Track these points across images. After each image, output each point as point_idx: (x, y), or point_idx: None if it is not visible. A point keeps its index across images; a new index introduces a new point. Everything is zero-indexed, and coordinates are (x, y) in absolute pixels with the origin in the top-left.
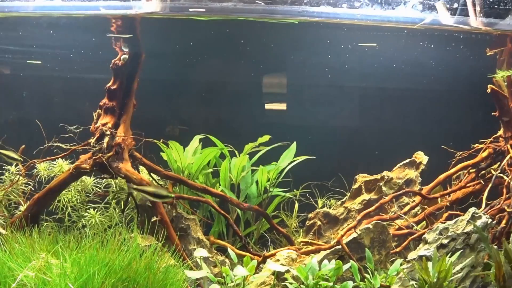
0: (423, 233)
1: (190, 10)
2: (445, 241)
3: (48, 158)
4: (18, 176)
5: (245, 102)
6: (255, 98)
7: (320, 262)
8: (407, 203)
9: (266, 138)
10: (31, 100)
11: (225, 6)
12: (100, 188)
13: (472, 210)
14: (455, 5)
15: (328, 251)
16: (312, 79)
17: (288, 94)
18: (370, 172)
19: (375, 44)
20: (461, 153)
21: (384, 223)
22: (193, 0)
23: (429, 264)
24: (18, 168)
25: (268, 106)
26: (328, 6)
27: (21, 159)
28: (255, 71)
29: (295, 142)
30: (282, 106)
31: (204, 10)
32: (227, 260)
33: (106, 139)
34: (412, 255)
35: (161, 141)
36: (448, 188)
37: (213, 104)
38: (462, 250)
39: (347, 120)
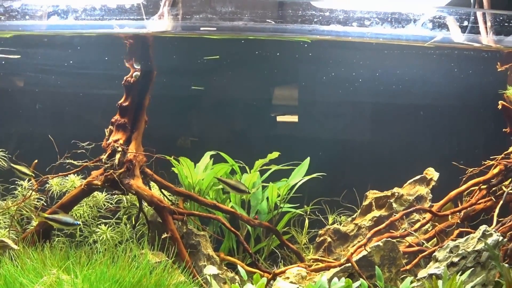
0: (434, 251)
1: (201, 29)
2: (455, 259)
3: (60, 174)
4: (30, 191)
5: (256, 116)
6: (266, 112)
7: (330, 280)
8: (418, 220)
9: (275, 154)
10: (44, 116)
11: (235, 25)
12: (111, 203)
13: (483, 227)
14: (465, 23)
15: (338, 268)
16: (323, 95)
17: (300, 108)
18: (381, 188)
19: (387, 61)
20: (472, 169)
21: (394, 240)
22: (204, 19)
23: (439, 282)
24: (30, 183)
25: (279, 119)
26: (338, 25)
27: (33, 174)
28: (267, 85)
29: (308, 158)
30: (293, 119)
31: (215, 29)
32: (237, 277)
33: (117, 156)
34: (422, 273)
35: (172, 157)
36: (459, 204)
37: (225, 118)
38: (472, 268)
39: (359, 136)
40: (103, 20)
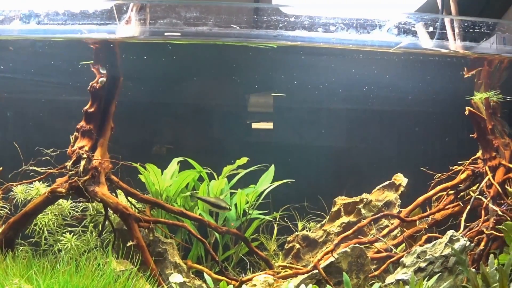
0: (402, 256)
1: (166, 34)
2: (423, 265)
3: (24, 181)
4: None
5: (226, 123)
6: (237, 119)
7: (297, 287)
8: (387, 226)
9: (244, 160)
10: (8, 122)
11: (200, 30)
12: (77, 211)
13: (450, 232)
14: (430, 29)
15: (306, 275)
16: (292, 101)
17: (270, 115)
18: (350, 194)
19: (355, 68)
20: (440, 175)
21: (362, 246)
22: (168, 24)
23: None
24: None
25: (253, 126)
26: (303, 30)
27: None
28: (237, 91)
29: (273, 165)
30: (268, 125)
31: (179, 34)
32: (204, 285)
33: (82, 163)
34: (389, 279)
35: (138, 164)
36: (428, 210)
37: (197, 125)
38: (440, 273)
39: (327, 142)
40: (67, 25)
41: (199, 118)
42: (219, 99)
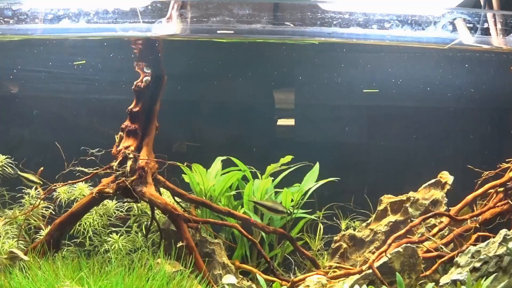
0: (453, 256)
1: (218, 32)
2: (477, 265)
3: (69, 182)
4: (38, 200)
5: (264, 121)
6: (273, 117)
7: None
8: (434, 225)
9: (288, 158)
10: (51, 122)
11: (253, 28)
12: (122, 212)
13: (503, 232)
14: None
15: (359, 276)
16: (334, 99)
17: (311, 113)
18: (394, 192)
19: (400, 64)
20: (487, 172)
21: (413, 245)
22: (221, 22)
23: None
24: (38, 191)
25: (288, 123)
26: (358, 28)
27: (41, 182)
28: (272, 89)
29: (318, 163)
30: (309, 122)
31: (232, 32)
32: (254, 286)
33: (129, 163)
34: (444, 279)
35: (185, 164)
36: (475, 208)
37: (230, 123)
38: (495, 273)
39: (371, 139)
40: (116, 23)
41: (233, 116)
42: (257, 97)
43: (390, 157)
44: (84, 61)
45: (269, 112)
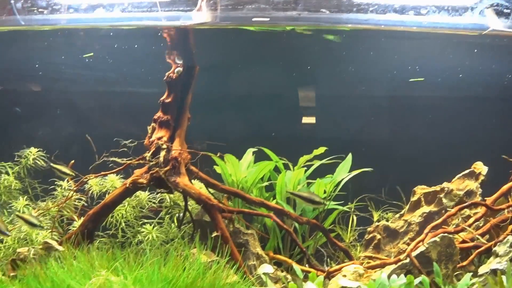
0: (490, 246)
1: (254, 19)
2: None
3: (102, 173)
4: (71, 192)
5: (291, 112)
6: (304, 109)
7: (388, 277)
8: (469, 215)
9: (321, 150)
10: (82, 114)
11: (289, 15)
12: (154, 203)
13: None
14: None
15: (395, 265)
16: (364, 90)
17: (341, 105)
18: (427, 183)
19: (431, 53)
20: None
21: (450, 235)
22: (256, 9)
23: (504, 278)
24: (69, 183)
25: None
26: (394, 14)
27: (73, 173)
28: (303, 81)
29: (350, 154)
30: (334, 115)
31: (268, 19)
32: (288, 276)
33: (162, 153)
34: (483, 268)
35: (218, 155)
36: (510, 199)
37: (257, 115)
38: None
39: (402, 130)
40: (151, 12)
41: (261, 107)
42: (288, 89)
43: (423, 148)
44: (92, 54)
45: (298, 104)
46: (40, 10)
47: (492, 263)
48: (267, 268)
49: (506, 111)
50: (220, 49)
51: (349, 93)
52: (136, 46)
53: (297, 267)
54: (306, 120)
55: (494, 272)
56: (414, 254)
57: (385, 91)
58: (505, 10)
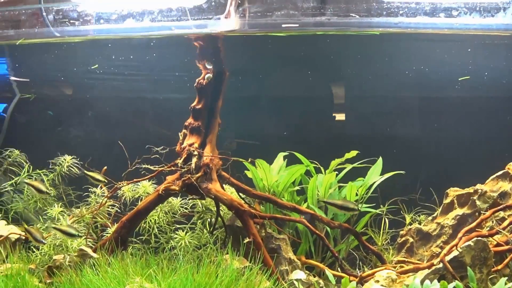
0: None
1: (283, 26)
2: None
3: (135, 180)
4: (105, 198)
5: (321, 116)
6: (332, 111)
7: (421, 283)
8: (503, 218)
9: (353, 153)
10: (115, 121)
11: (318, 21)
12: (186, 209)
13: None
14: None
15: (429, 270)
16: (395, 91)
17: (371, 106)
18: (460, 185)
19: (464, 54)
20: None
21: (484, 239)
22: (285, 15)
23: None
24: (102, 190)
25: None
26: (425, 16)
27: (106, 180)
28: (330, 84)
29: (380, 158)
30: (363, 117)
31: (297, 25)
32: (321, 281)
33: (194, 160)
34: None
35: (249, 160)
36: None
37: (289, 118)
38: None
39: (433, 132)
40: (181, 21)
41: (291, 111)
42: (316, 91)
43: (456, 149)
44: (97, 65)
45: (328, 107)
46: (72, 21)
47: None
48: (299, 274)
49: None
50: (251, 53)
51: (379, 94)
52: (168, 53)
53: (329, 273)
54: (338, 117)
55: None
56: (447, 258)
57: (416, 92)
58: None
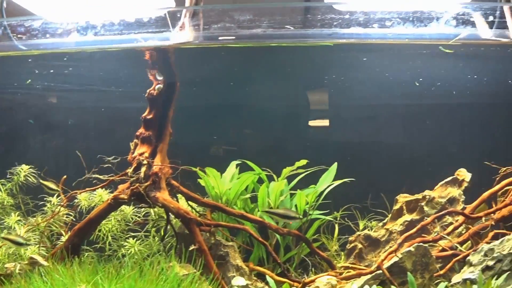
0: (468, 254)
1: (220, 38)
2: (490, 263)
3: (87, 189)
4: (59, 207)
5: (284, 123)
6: (293, 118)
7: None
8: (451, 223)
9: (303, 162)
10: (71, 131)
11: (254, 33)
12: (139, 217)
13: None
14: (491, 18)
15: (369, 276)
16: (349, 98)
17: (328, 113)
18: (412, 191)
19: (412, 62)
20: (505, 168)
21: (427, 245)
22: (222, 28)
23: (474, 287)
24: (59, 198)
25: (310, 124)
26: (358, 27)
27: (61, 190)
28: (292, 90)
29: (335, 164)
30: (321, 123)
31: (233, 38)
32: (267, 287)
33: (143, 169)
34: (456, 278)
35: (198, 168)
36: (493, 205)
37: (254, 127)
38: (509, 271)
39: (385, 138)
40: (122, 34)
41: (255, 119)
42: (275, 99)
43: (408, 156)
44: (30, 80)
45: (290, 115)
46: (19, 36)
47: (465, 273)
48: (239, 281)
49: (488, 118)
50: (211, 64)
51: (333, 103)
52: (121, 65)
53: (270, 278)
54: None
55: (466, 281)
56: (388, 264)
57: (367, 100)
58: (471, 19)
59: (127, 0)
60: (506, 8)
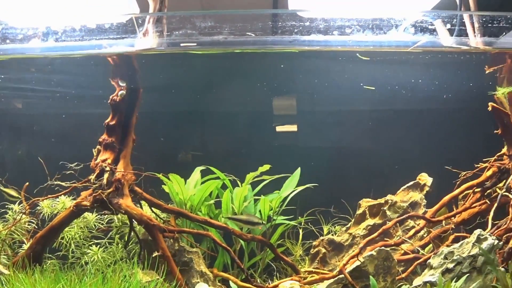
0: (429, 258)
1: (182, 44)
2: (450, 266)
3: (50, 196)
4: (21, 215)
5: (249, 128)
6: (259, 124)
7: None
8: (413, 227)
9: (266, 167)
10: (33, 138)
11: (215, 39)
12: (102, 224)
13: (477, 231)
14: (451, 26)
15: (332, 280)
16: (313, 105)
17: (293, 119)
18: (375, 196)
19: (374, 70)
20: (465, 173)
21: (388, 248)
22: (184, 35)
23: None
24: (21, 206)
25: (276, 129)
26: (319, 34)
27: (22, 197)
28: (258, 96)
29: (299, 169)
30: (291, 129)
31: (195, 44)
32: None
33: (106, 175)
34: (417, 281)
35: (161, 174)
36: (455, 209)
37: (220, 132)
38: (468, 274)
39: (349, 144)
40: (84, 40)
41: (221, 125)
42: (240, 105)
43: (371, 161)
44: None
45: (256, 120)
46: None
47: (426, 276)
48: (203, 286)
49: (449, 123)
50: (175, 70)
51: (297, 109)
52: (83, 70)
53: (234, 284)
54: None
55: (426, 284)
56: (350, 268)
57: (330, 106)
58: (430, 26)
59: (90, 6)
60: (465, 16)
